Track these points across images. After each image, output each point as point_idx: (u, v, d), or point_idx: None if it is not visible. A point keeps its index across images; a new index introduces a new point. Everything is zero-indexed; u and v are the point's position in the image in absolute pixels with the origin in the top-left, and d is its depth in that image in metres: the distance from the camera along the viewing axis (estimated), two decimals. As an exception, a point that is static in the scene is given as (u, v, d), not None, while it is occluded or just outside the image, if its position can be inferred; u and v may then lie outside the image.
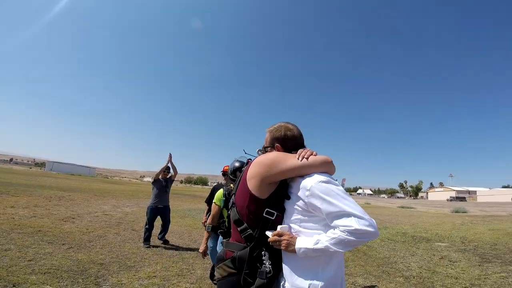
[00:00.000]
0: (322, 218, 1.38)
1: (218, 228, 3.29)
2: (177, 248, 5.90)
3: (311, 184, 1.37)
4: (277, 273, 1.48)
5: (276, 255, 1.47)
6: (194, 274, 4.34)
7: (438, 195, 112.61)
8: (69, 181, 28.70)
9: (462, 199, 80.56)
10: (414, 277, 4.59)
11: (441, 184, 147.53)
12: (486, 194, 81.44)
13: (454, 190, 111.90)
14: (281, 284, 1.44)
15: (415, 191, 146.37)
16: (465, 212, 21.04)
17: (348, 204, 1.30)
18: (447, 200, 79.51)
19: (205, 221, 3.75)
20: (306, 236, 1.39)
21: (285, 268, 1.43)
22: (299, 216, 1.43)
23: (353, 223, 1.24)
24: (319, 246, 1.30)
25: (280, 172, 1.45)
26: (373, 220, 1.28)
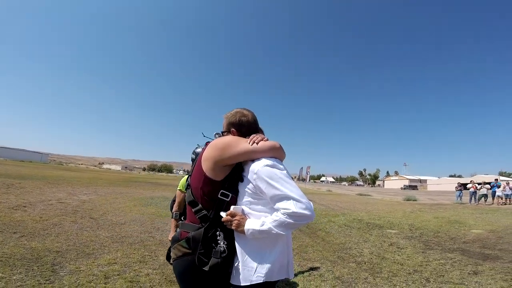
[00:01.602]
0: (269, 202, 1.48)
1: (182, 214, 3.30)
2: (138, 235, 5.81)
3: (258, 168, 1.47)
4: (232, 253, 1.55)
5: (232, 235, 1.54)
6: (157, 260, 4.33)
7: (393, 183, 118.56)
8: (19, 167, 26.68)
9: (414, 187, 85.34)
10: (365, 263, 4.91)
11: (396, 173, 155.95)
12: (435, 183, 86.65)
13: (408, 179, 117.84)
14: (235, 264, 1.53)
15: (373, 179, 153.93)
16: (415, 200, 22.49)
17: (289, 187, 1.40)
18: (401, 188, 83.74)
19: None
20: (255, 218, 1.49)
21: (237, 248, 1.51)
22: (249, 199, 1.53)
23: (292, 206, 1.35)
24: (264, 227, 1.40)
25: (231, 155, 1.53)
26: (311, 203, 1.39)
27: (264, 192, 1.44)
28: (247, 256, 1.47)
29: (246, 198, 1.54)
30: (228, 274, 1.55)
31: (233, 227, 1.47)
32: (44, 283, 3.10)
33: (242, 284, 1.46)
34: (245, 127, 1.71)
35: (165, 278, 3.66)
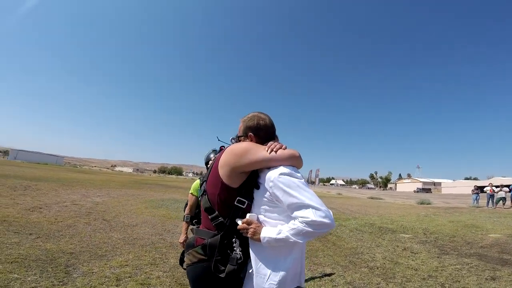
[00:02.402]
0: (285, 210, 1.44)
1: (194, 218, 3.30)
2: (150, 238, 5.87)
3: (275, 176, 1.43)
4: (246, 260, 1.53)
5: (246, 242, 1.52)
6: (167, 263, 4.37)
7: (406, 186, 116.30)
8: (35, 170, 27.34)
9: (428, 190, 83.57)
10: (378, 268, 4.81)
11: (409, 176, 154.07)
12: (449, 186, 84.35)
13: (421, 182, 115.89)
14: (248, 271, 1.51)
15: (385, 182, 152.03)
16: (429, 204, 22.00)
17: (308, 196, 1.36)
18: (414, 191, 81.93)
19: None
20: (270, 226, 1.46)
21: (252, 256, 1.49)
22: (265, 206, 1.50)
23: (311, 215, 1.31)
24: (280, 236, 1.37)
25: (249, 163, 1.50)
26: (330, 211, 1.35)
27: (281, 200, 1.40)
28: (260, 263, 1.45)
29: (262, 206, 1.51)
30: (241, 280, 1.54)
31: (248, 235, 1.45)
32: (58, 285, 3.16)
33: None
34: (263, 130, 1.68)
35: (176, 281, 3.68)
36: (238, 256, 1.48)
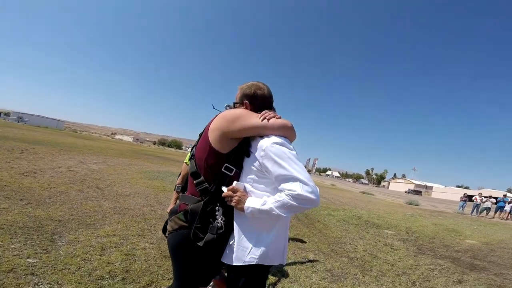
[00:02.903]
0: (273, 182, 1.42)
1: (185, 188, 3.15)
2: (141, 208, 5.94)
3: (267, 144, 1.41)
4: (229, 231, 1.51)
5: (231, 212, 1.50)
6: (155, 234, 4.44)
7: (399, 186, 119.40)
8: (35, 133, 27.17)
9: (419, 192, 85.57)
10: (357, 259, 4.98)
11: (404, 176, 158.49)
12: (440, 191, 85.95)
13: (414, 183, 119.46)
14: (229, 242, 1.50)
15: (379, 179, 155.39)
16: (417, 205, 22.49)
17: (297, 169, 1.34)
18: (405, 192, 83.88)
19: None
20: (256, 197, 1.44)
21: (235, 227, 1.48)
22: (253, 176, 1.48)
23: (298, 188, 1.29)
24: (265, 207, 1.35)
25: (240, 128, 1.47)
26: (317, 188, 1.34)
27: (270, 171, 1.38)
28: (243, 235, 1.44)
29: (250, 175, 1.48)
30: (221, 251, 1.53)
31: (232, 204, 1.43)
32: (41, 253, 3.11)
33: (234, 264, 1.43)
34: (259, 100, 1.66)
35: (161, 253, 3.73)
36: (219, 225, 1.46)
